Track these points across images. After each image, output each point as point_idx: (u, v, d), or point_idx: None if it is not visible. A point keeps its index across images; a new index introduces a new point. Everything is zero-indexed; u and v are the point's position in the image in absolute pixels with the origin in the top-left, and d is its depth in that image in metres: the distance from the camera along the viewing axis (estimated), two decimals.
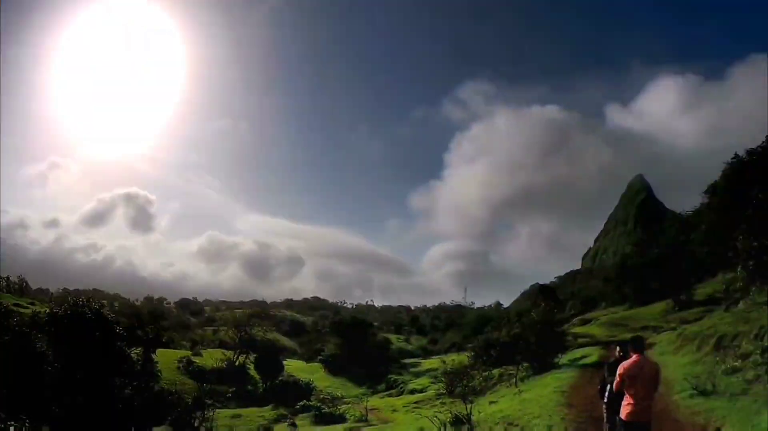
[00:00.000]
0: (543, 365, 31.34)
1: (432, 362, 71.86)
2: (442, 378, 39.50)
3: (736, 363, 18.72)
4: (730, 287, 29.84)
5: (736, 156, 67.11)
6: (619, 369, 9.03)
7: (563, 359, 33.25)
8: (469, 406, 17.65)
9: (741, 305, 27.09)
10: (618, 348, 13.08)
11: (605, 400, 12.46)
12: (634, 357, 9.00)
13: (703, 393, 16.45)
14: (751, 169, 54.72)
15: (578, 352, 36.91)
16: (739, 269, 20.54)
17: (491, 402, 23.46)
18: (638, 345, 9.17)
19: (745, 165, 61.05)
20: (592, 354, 33.95)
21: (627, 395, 8.92)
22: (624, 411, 8.95)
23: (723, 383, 17.03)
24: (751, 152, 65.11)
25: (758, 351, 18.48)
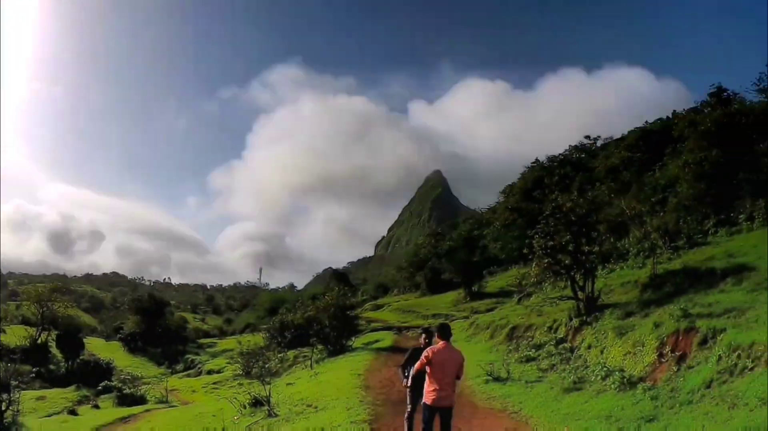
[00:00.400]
0: (337, 348, 31.38)
1: (228, 342, 71.23)
2: (239, 359, 38.44)
3: (530, 353, 19.76)
4: (523, 281, 31.66)
5: (537, 161, 72.97)
6: (427, 352, 8.87)
7: (356, 342, 33.58)
8: (267, 388, 16.88)
9: (534, 299, 28.89)
10: (423, 335, 13.17)
11: (408, 384, 12.39)
12: (441, 343, 8.87)
13: (498, 379, 17.01)
14: (550, 174, 59.51)
15: (371, 336, 37.52)
16: (534, 265, 21.57)
17: (288, 384, 23.01)
18: (445, 332, 9.06)
19: (545, 169, 66.37)
20: (385, 338, 34.63)
21: (431, 380, 8.80)
22: (428, 396, 8.82)
23: (517, 371, 17.80)
24: (552, 158, 71.16)
25: (552, 343, 19.61)
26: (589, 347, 17.23)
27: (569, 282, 20.77)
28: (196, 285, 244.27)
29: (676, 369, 12.02)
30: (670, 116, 54.37)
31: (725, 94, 36.57)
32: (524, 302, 30.39)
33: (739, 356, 10.49)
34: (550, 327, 21.40)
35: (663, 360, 12.76)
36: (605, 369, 14.10)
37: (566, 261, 20.20)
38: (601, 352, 16.14)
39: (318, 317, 33.42)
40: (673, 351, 12.68)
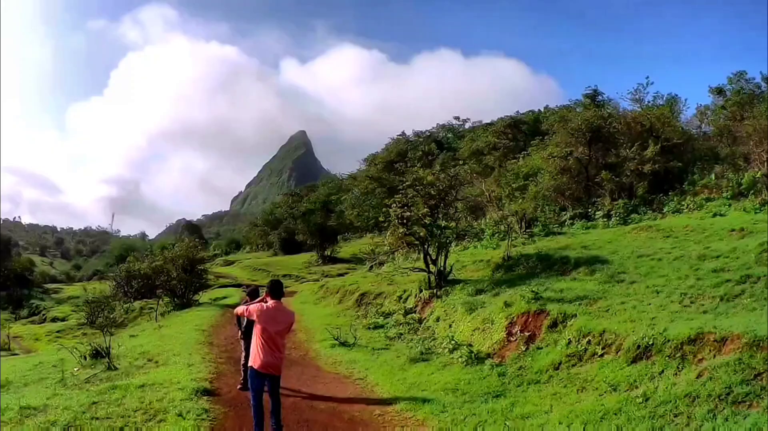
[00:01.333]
0: (184, 302, 30.11)
1: (75, 289, 67.38)
2: (84, 308, 35.96)
3: (378, 320, 19.45)
4: (376, 249, 31.50)
5: (403, 134, 73.66)
6: (255, 308, 8.13)
7: (204, 297, 32.34)
8: (108, 338, 15.57)
9: (386, 267, 28.74)
10: (246, 290, 13.00)
11: (241, 335, 12.25)
12: (271, 302, 8.15)
13: (345, 344, 16.53)
14: (414, 148, 60.17)
15: (220, 292, 36.58)
16: (388, 234, 21.29)
17: (132, 336, 21.81)
18: (276, 290, 8.30)
19: (410, 143, 67.06)
20: (234, 295, 33.70)
21: (258, 342, 8.03)
22: (255, 359, 8.07)
23: (365, 337, 17.42)
24: (418, 134, 72.03)
25: (401, 312, 19.39)
26: (438, 320, 17.11)
27: (422, 255, 20.60)
28: (46, 226, 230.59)
29: (524, 349, 11.94)
30: (542, 110, 56.51)
31: (600, 97, 38.20)
32: (376, 270, 30.28)
33: (589, 342, 10.50)
34: (399, 297, 21.23)
35: (512, 339, 12.67)
36: (453, 342, 13.87)
37: (421, 234, 19.96)
38: (450, 326, 16.02)
39: (166, 268, 31.97)
40: (522, 331, 12.62)
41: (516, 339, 12.51)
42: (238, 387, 11.56)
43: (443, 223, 20.39)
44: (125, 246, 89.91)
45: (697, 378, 7.78)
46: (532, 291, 14.01)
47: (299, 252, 55.08)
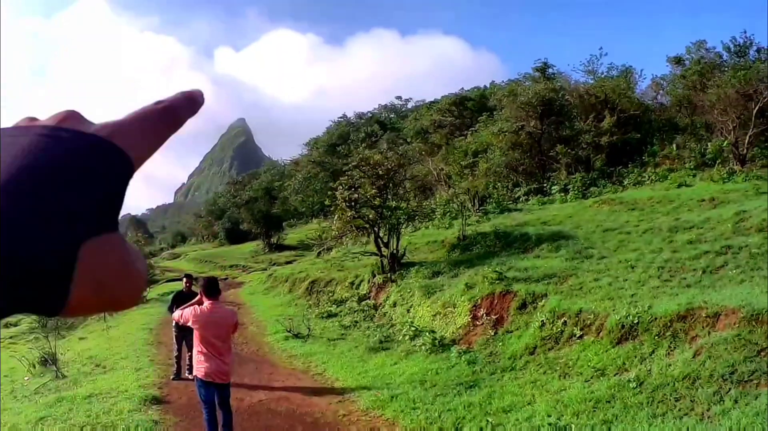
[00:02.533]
0: None
1: None
2: None
3: (332, 308, 18.47)
4: (323, 235, 30.43)
5: (344, 116, 72.44)
6: (189, 313, 7.06)
7: (151, 293, 30.84)
8: (54, 343, 14.47)
9: (334, 253, 27.70)
10: (185, 280, 12.89)
11: (174, 332, 11.88)
12: (207, 303, 7.08)
13: (298, 336, 15.49)
14: (356, 130, 59.13)
15: (167, 286, 35.07)
16: (335, 218, 20.35)
17: (81, 338, 20.59)
18: (211, 289, 7.20)
19: (351, 125, 65.97)
20: (180, 289, 32.15)
21: (199, 348, 7.01)
22: (197, 368, 7.09)
23: (319, 327, 16.43)
24: (360, 115, 70.88)
25: (355, 299, 18.45)
26: (395, 305, 16.25)
27: (373, 238, 19.67)
28: None
29: (492, 334, 11.13)
30: (488, 86, 55.86)
31: (550, 70, 37.30)
32: (324, 256, 29.23)
33: (565, 323, 9.74)
34: (352, 283, 20.28)
35: (477, 323, 11.86)
36: (413, 329, 13.02)
37: (370, 216, 19.04)
38: (408, 311, 15.19)
39: None
40: (488, 314, 11.81)
41: (482, 323, 11.69)
42: (171, 377, 11.53)
43: (393, 204, 19.45)
44: None
45: (693, 357, 7.10)
46: (495, 271, 13.23)
47: (245, 241, 53.73)
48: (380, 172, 19.64)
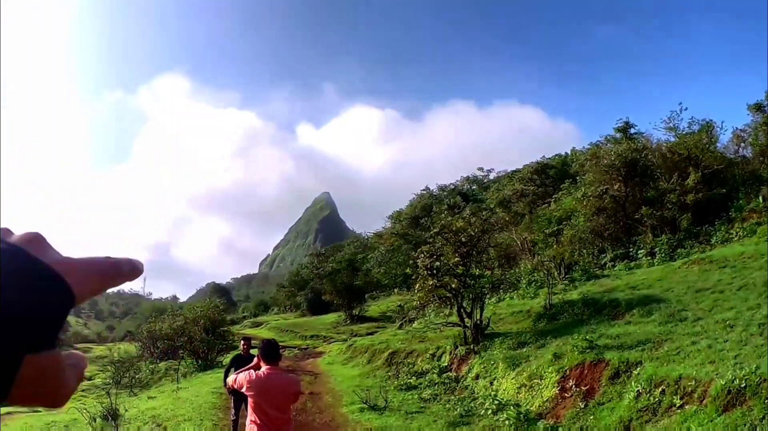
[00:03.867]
0: (207, 362, 28.87)
1: (102, 349, 66.80)
2: (109, 367, 35.27)
3: (411, 380, 17.74)
4: (405, 305, 29.84)
5: (427, 188, 72.59)
6: (243, 377, 6.38)
7: (228, 358, 30.96)
8: (115, 400, 14.55)
9: (416, 324, 27.03)
10: (243, 342, 12.48)
11: (229, 395, 11.86)
12: (266, 368, 6.33)
13: (375, 408, 14.82)
14: (439, 202, 58.93)
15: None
16: (417, 287, 19.69)
17: (150, 398, 20.69)
18: (271, 354, 6.43)
19: (434, 197, 65.90)
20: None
21: (253, 417, 6.27)
22: None
23: (397, 399, 15.72)
24: (442, 187, 70.86)
25: (435, 371, 17.69)
26: (477, 377, 15.45)
27: (455, 308, 18.94)
28: None
29: (582, 406, 10.23)
30: (569, 152, 54.78)
31: (631, 130, 36.18)
32: (406, 327, 28.56)
33: (663, 392, 8.80)
34: (433, 355, 19.57)
35: (566, 395, 10.98)
36: (497, 402, 12.21)
37: (453, 285, 18.36)
38: (491, 383, 14.38)
39: (187, 329, 31.06)
40: (577, 385, 10.93)
41: (571, 395, 10.81)
42: None
43: (477, 272, 18.76)
44: (155, 308, 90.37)
45: None
46: (585, 340, 12.33)
47: (327, 312, 53.46)
48: (463, 239, 19.09)
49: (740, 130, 31.90)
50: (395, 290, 48.26)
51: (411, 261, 20.60)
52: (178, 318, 34.17)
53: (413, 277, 20.65)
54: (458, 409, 13.12)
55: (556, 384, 11.45)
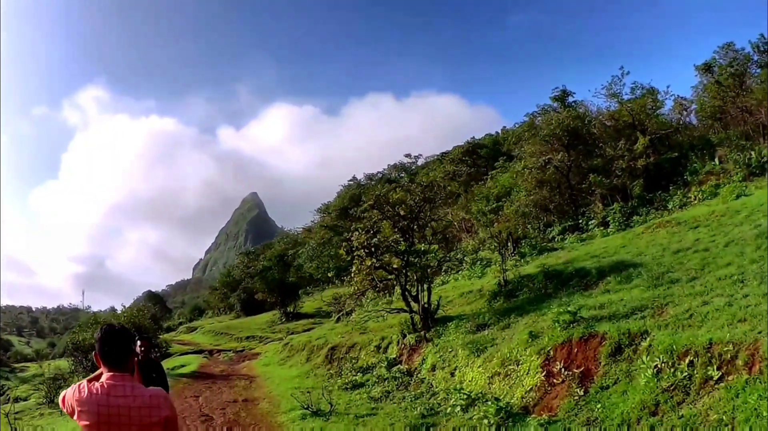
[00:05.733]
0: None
1: (36, 367, 63.72)
2: (41, 386, 32.52)
3: (356, 378, 15.56)
4: (341, 298, 27.74)
5: (354, 178, 70.84)
6: (70, 396, 3.51)
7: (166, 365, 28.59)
8: (42, 421, 12.43)
9: (355, 316, 24.92)
10: (139, 343, 9.47)
11: None
12: (106, 377, 3.28)
13: (318, 413, 12.48)
14: (367, 192, 57.29)
15: (179, 360, 32.88)
16: (353, 270, 17.37)
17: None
18: (112, 350, 3.40)
19: (361, 187, 64.13)
20: (192, 363, 29.90)
21: None
22: None
23: (343, 401, 13.49)
24: (370, 176, 69.19)
25: (383, 364, 15.58)
26: (433, 368, 13.43)
27: (398, 292, 16.82)
28: (21, 306, 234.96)
29: (581, 393, 8.18)
30: (499, 132, 53.77)
31: (569, 98, 34.49)
32: (344, 320, 26.38)
33: (691, 364, 6.81)
34: (378, 346, 17.56)
35: (555, 381, 8.93)
36: (464, 396, 10.12)
37: (395, 264, 16.16)
38: (452, 375, 12.37)
39: None
40: (567, 368, 8.91)
41: (562, 381, 8.77)
42: None
43: (422, 247, 16.58)
44: (91, 321, 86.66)
45: None
46: (568, 312, 10.32)
47: (261, 312, 52.06)
48: (402, 212, 16.96)
49: (681, 97, 31.24)
50: (329, 285, 46.62)
51: (344, 242, 18.11)
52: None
53: (349, 259, 18.13)
54: (418, 408, 11.03)
55: (539, 369, 9.41)
